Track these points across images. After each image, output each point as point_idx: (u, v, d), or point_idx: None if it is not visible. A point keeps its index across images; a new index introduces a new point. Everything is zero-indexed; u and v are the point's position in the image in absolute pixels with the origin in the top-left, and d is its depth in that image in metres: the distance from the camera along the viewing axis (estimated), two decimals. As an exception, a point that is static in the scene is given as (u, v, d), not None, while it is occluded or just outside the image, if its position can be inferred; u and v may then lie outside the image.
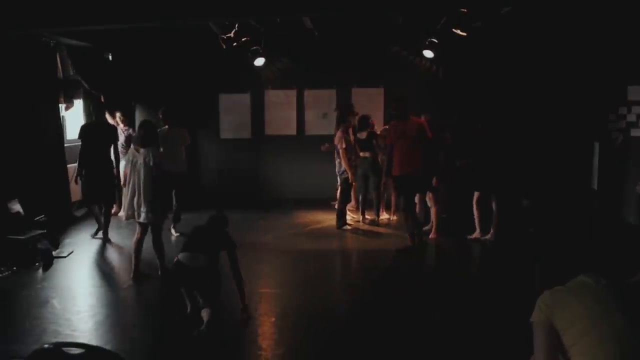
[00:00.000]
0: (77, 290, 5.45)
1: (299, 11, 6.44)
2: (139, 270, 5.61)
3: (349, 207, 8.07)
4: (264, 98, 9.73)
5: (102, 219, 7.12)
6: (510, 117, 7.67)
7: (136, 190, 5.45)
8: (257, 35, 7.89)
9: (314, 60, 9.16)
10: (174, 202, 7.27)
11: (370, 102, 9.05)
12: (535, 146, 7.64)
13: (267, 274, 5.97)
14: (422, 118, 7.13)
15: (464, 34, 7.06)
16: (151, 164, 5.42)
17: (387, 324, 4.48)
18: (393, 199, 8.00)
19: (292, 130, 9.72)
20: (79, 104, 8.63)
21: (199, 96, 9.62)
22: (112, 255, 6.73)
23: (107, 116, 7.93)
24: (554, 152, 7.67)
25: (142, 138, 5.54)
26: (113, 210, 7.88)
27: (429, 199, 7.20)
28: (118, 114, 8.50)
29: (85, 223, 7.95)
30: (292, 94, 9.69)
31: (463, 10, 6.58)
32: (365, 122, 7.69)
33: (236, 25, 7.12)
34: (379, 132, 7.98)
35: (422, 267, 6.40)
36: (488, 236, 6.86)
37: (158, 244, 5.62)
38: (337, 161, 7.73)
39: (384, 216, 8.23)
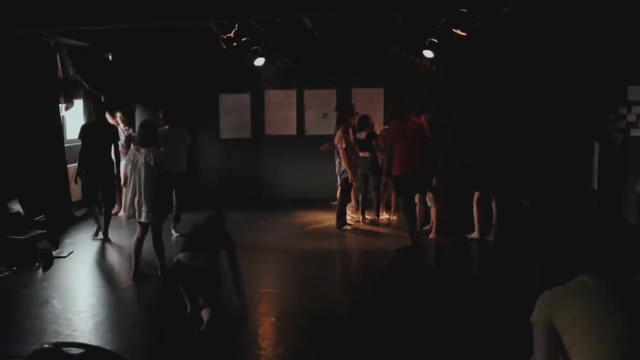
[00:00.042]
0: (77, 290, 5.45)
1: (299, 11, 6.44)
2: (139, 270, 5.61)
3: (349, 207, 8.07)
4: (264, 98, 9.74)
5: (102, 220, 7.12)
6: (510, 117, 7.67)
7: (137, 190, 5.46)
8: (257, 35, 7.89)
9: (314, 60, 9.16)
10: (174, 202, 7.28)
11: (370, 102, 9.05)
12: (535, 146, 7.64)
13: (267, 274, 5.97)
14: (423, 118, 7.14)
15: (464, 34, 7.06)
16: (152, 163, 5.42)
17: (387, 324, 4.48)
18: (393, 199, 8.00)
19: (292, 130, 9.73)
20: (79, 104, 8.63)
21: (199, 96, 9.63)
22: (112, 255, 6.73)
23: (107, 116, 7.93)
24: (554, 152, 7.67)
25: (143, 138, 5.54)
26: (114, 211, 7.88)
27: (429, 199, 7.20)
28: (118, 114, 8.50)
29: (85, 223, 7.95)
30: (292, 94, 9.69)
31: (463, 10, 6.58)
32: (365, 122, 7.69)
33: (236, 25, 7.11)
34: (378, 132, 7.98)
35: (422, 267, 6.40)
36: (488, 236, 6.87)
37: (158, 244, 5.62)
38: (337, 161, 7.73)
39: (384, 216, 8.23)
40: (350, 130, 7.62)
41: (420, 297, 5.14)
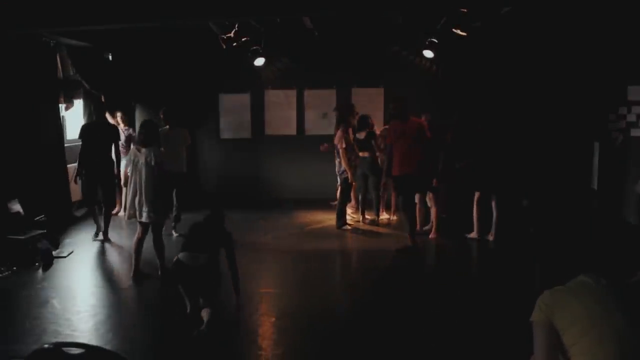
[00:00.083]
0: (77, 290, 5.46)
1: (299, 11, 6.44)
2: (139, 269, 5.62)
3: (349, 206, 8.07)
4: (264, 98, 9.74)
5: (102, 220, 7.11)
6: (510, 117, 7.67)
7: (138, 190, 5.46)
8: (257, 35, 7.88)
9: (314, 60, 9.16)
10: (175, 202, 7.28)
11: (370, 102, 9.05)
12: (535, 146, 7.64)
13: (267, 274, 5.97)
14: (423, 118, 7.15)
15: (464, 34, 7.06)
16: (153, 163, 5.43)
17: (387, 324, 4.48)
18: (393, 199, 8.00)
19: (292, 130, 9.73)
20: (79, 104, 8.63)
21: (199, 96, 9.63)
22: (112, 255, 6.73)
23: (108, 116, 7.93)
24: (554, 152, 7.67)
25: (144, 138, 5.54)
26: (114, 210, 7.89)
27: (429, 199, 7.20)
28: (119, 114, 8.50)
29: (85, 223, 7.95)
30: (292, 94, 9.69)
31: (463, 10, 6.58)
32: (365, 122, 7.69)
33: (236, 25, 7.11)
34: (378, 132, 7.98)
35: (422, 267, 6.40)
36: (488, 236, 6.87)
37: (159, 244, 5.63)
38: (337, 161, 7.73)
39: (384, 216, 8.23)
40: (350, 130, 7.62)
41: (420, 297, 5.14)
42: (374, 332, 4.31)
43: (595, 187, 7.47)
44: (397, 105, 6.57)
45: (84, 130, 7.13)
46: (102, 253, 6.73)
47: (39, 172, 7.27)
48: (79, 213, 8.40)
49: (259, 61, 8.57)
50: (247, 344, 4.19)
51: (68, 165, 7.95)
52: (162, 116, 7.37)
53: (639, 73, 6.84)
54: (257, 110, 9.77)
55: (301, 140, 9.60)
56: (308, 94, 9.67)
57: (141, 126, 5.77)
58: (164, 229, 5.75)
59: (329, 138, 8.04)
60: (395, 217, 8.15)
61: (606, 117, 7.35)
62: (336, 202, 8.03)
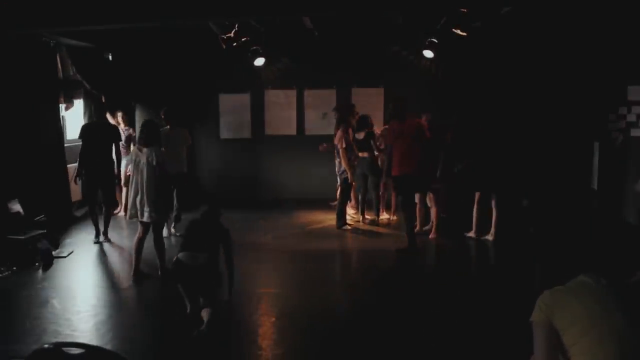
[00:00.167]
0: (77, 290, 5.46)
1: (299, 11, 6.44)
2: (139, 269, 5.62)
3: (349, 206, 8.07)
4: (264, 98, 9.74)
5: (102, 221, 7.10)
6: (510, 117, 7.67)
7: (139, 189, 5.46)
8: (257, 35, 7.88)
9: (314, 60, 9.16)
10: (175, 202, 7.28)
11: (370, 102, 9.05)
12: (535, 146, 7.64)
13: (267, 274, 5.97)
14: (424, 118, 7.14)
15: (464, 34, 7.05)
16: (154, 163, 5.43)
17: (387, 323, 4.48)
18: (393, 199, 8.00)
19: (292, 130, 9.73)
20: (79, 104, 8.63)
21: (199, 96, 9.63)
22: (112, 255, 6.72)
23: (108, 116, 7.93)
24: (554, 152, 7.67)
25: (145, 138, 5.54)
26: (115, 211, 7.89)
27: (430, 199, 7.20)
28: (120, 114, 8.50)
29: (85, 223, 7.94)
30: (292, 94, 9.69)
31: (463, 10, 6.58)
32: (364, 122, 7.68)
33: (236, 25, 7.11)
34: (379, 132, 7.98)
35: (422, 267, 6.40)
36: (488, 236, 6.87)
37: (159, 244, 5.63)
38: (337, 161, 7.73)
39: (384, 216, 8.23)
40: (350, 130, 7.62)
41: (420, 297, 5.14)
42: (374, 332, 4.31)
43: (595, 187, 7.46)
44: (396, 105, 6.57)
45: (84, 130, 7.12)
46: (102, 253, 6.73)
47: (39, 172, 7.27)
48: (79, 213, 8.40)
49: (259, 61, 8.57)
50: (247, 344, 4.19)
51: (68, 165, 7.95)
52: (163, 116, 7.37)
53: (639, 73, 6.84)
54: (257, 110, 9.77)
55: (301, 140, 9.60)
56: (308, 94, 9.67)
57: (142, 126, 5.77)
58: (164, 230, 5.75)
59: (329, 138, 8.04)
60: (395, 217, 8.15)
61: (606, 117, 7.34)
62: (336, 203, 8.03)
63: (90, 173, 6.96)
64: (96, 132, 7.05)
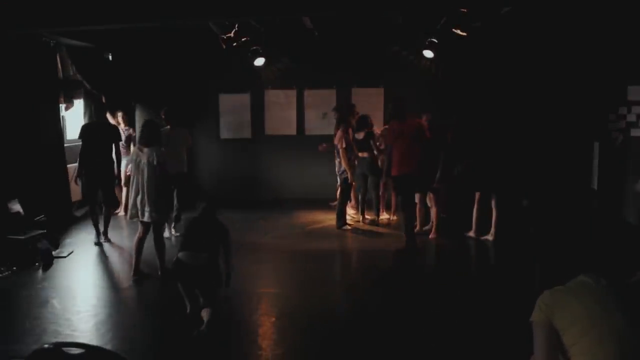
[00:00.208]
0: (77, 290, 5.46)
1: (299, 11, 6.44)
2: (139, 269, 5.62)
3: (349, 206, 8.07)
4: (264, 98, 9.74)
5: (102, 221, 7.10)
6: (510, 117, 7.67)
7: (140, 189, 5.46)
8: (257, 35, 7.88)
9: (314, 60, 9.16)
10: (175, 202, 7.28)
11: (370, 102, 9.05)
12: (535, 146, 7.64)
13: (267, 274, 5.97)
14: (424, 118, 7.14)
15: (464, 34, 7.06)
16: (155, 163, 5.43)
17: (387, 323, 4.48)
18: (393, 199, 8.00)
19: (292, 130, 9.73)
20: (79, 104, 8.63)
21: (199, 96, 9.63)
22: (112, 255, 6.72)
23: (108, 116, 7.93)
24: (554, 152, 7.67)
25: (146, 138, 5.54)
26: (116, 210, 7.88)
27: (430, 199, 7.20)
28: (120, 114, 8.50)
29: (85, 223, 7.94)
30: (292, 94, 9.69)
31: (463, 10, 6.58)
32: (364, 122, 7.68)
33: (236, 25, 7.11)
34: (379, 132, 7.98)
35: (422, 267, 6.40)
36: (488, 236, 6.87)
37: (159, 244, 5.63)
38: (337, 161, 7.73)
39: (384, 216, 8.23)
40: (350, 130, 7.62)
41: (420, 297, 5.14)
42: (374, 332, 4.31)
43: (595, 187, 7.46)
44: (395, 105, 6.57)
45: (84, 131, 7.12)
46: (102, 253, 6.72)
47: (39, 172, 7.27)
48: (79, 213, 8.40)
49: (259, 61, 8.57)
50: (247, 344, 4.19)
51: (68, 165, 7.95)
52: (163, 116, 7.37)
53: (639, 73, 6.84)
54: (257, 110, 9.78)
55: (301, 140, 9.60)
56: (308, 94, 9.67)
57: (143, 126, 5.77)
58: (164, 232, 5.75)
59: (329, 138, 8.04)
60: (395, 217, 8.15)
61: (606, 117, 7.34)
62: (336, 203, 8.03)
63: (91, 173, 6.96)
64: (96, 132, 7.04)
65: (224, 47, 7.34)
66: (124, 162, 7.73)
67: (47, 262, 6.12)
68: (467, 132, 7.20)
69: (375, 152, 7.69)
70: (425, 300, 5.05)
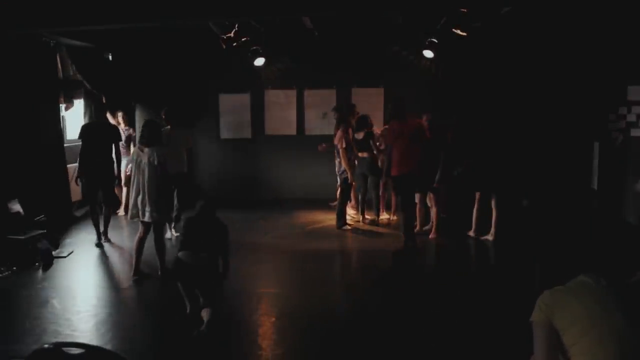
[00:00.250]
0: (77, 290, 5.46)
1: (299, 11, 6.44)
2: (140, 269, 5.62)
3: (349, 206, 8.07)
4: (264, 98, 9.74)
5: (102, 222, 7.10)
6: (510, 118, 7.67)
7: (141, 189, 5.46)
8: (257, 35, 7.88)
9: (314, 60, 9.16)
10: (175, 202, 7.27)
11: (370, 102, 9.05)
12: (535, 146, 7.64)
13: (267, 274, 5.97)
14: (424, 118, 7.14)
15: (464, 34, 7.06)
16: (156, 163, 5.43)
17: (387, 323, 4.48)
18: (393, 199, 8.00)
19: (292, 130, 9.73)
20: (79, 104, 8.63)
21: (199, 96, 9.63)
22: (113, 255, 6.72)
23: (108, 116, 7.93)
24: (554, 152, 7.67)
25: (147, 138, 5.54)
26: (117, 210, 7.88)
27: (430, 199, 7.20)
28: (120, 114, 8.50)
29: (85, 223, 7.94)
30: (292, 94, 9.69)
31: (463, 10, 6.58)
32: (363, 122, 7.68)
33: (236, 25, 7.11)
34: (379, 132, 7.98)
35: (422, 267, 6.40)
36: (488, 236, 6.87)
37: (160, 244, 5.63)
38: (337, 161, 7.73)
39: (384, 216, 8.23)
40: (350, 130, 7.62)
41: (420, 297, 5.14)
42: (374, 332, 4.31)
43: (595, 187, 7.46)
44: (395, 105, 6.57)
45: (84, 130, 7.11)
46: (102, 253, 6.72)
47: (39, 172, 7.27)
48: (79, 213, 8.40)
49: (259, 61, 8.58)
50: (247, 344, 4.19)
51: (68, 165, 7.95)
52: (163, 116, 7.36)
53: (639, 73, 6.84)
54: (257, 110, 9.78)
55: (301, 140, 9.60)
56: (308, 94, 9.67)
57: (144, 126, 5.77)
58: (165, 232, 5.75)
59: (329, 138, 8.04)
60: (395, 217, 8.15)
61: (606, 117, 7.34)
62: (336, 203, 8.03)
63: (91, 173, 6.95)
64: (96, 132, 7.04)
65: (224, 47, 7.34)
66: (124, 162, 7.73)
67: (47, 262, 6.12)
68: (467, 132, 7.20)
69: (375, 152, 7.69)
70: (425, 300, 5.05)
